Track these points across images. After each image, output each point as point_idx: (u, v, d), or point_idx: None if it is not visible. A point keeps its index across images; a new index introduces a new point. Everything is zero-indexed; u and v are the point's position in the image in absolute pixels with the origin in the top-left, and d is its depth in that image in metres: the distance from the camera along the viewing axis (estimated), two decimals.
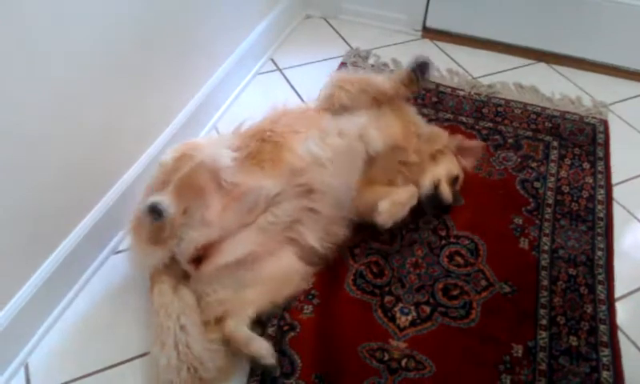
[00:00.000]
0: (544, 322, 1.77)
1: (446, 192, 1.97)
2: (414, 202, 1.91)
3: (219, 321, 1.67)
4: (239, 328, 1.64)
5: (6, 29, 1.32)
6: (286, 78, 2.76)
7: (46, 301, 1.68)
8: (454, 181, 2.02)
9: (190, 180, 1.68)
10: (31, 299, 1.60)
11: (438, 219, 2.05)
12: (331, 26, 3.20)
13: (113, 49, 1.70)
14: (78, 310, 1.76)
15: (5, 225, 1.48)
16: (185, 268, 1.72)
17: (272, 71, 2.82)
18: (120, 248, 1.92)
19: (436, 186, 1.96)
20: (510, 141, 2.44)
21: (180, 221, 1.67)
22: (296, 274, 1.80)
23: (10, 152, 1.43)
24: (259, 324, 1.72)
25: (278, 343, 1.67)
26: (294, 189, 1.81)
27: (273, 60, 2.88)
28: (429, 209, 1.99)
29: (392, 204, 1.83)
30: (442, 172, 2.00)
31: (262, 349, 1.60)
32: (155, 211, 1.57)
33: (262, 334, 1.69)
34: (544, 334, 1.74)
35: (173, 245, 1.69)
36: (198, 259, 1.71)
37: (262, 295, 1.72)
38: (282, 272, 1.77)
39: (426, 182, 1.97)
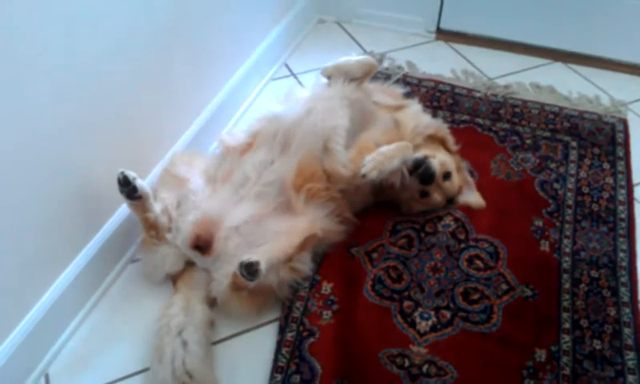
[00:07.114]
0: (567, 325, 1.74)
1: (435, 163, 1.95)
2: (408, 155, 1.91)
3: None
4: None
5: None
6: (300, 83, 2.75)
7: (65, 310, 1.69)
8: (445, 175, 2.00)
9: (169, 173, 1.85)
10: (50, 309, 1.60)
11: (457, 222, 2.03)
12: (345, 29, 3.19)
13: (127, 56, 1.71)
14: (97, 319, 1.76)
15: (24, 235, 1.49)
16: (190, 255, 1.77)
17: (286, 77, 2.82)
18: (137, 257, 1.91)
19: (426, 156, 1.95)
20: (528, 142, 2.41)
21: (174, 214, 1.77)
22: (304, 223, 1.80)
23: (34, 155, 1.45)
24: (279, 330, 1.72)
25: (297, 349, 1.66)
26: (276, 148, 1.88)
27: (287, 65, 2.88)
28: (413, 176, 1.95)
29: (378, 154, 1.84)
30: (438, 156, 1.99)
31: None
32: (125, 181, 1.64)
33: (281, 339, 1.69)
34: (567, 337, 1.71)
35: (172, 238, 1.76)
36: (203, 248, 1.74)
37: (271, 250, 1.69)
38: (288, 225, 1.78)
39: (418, 153, 1.97)
